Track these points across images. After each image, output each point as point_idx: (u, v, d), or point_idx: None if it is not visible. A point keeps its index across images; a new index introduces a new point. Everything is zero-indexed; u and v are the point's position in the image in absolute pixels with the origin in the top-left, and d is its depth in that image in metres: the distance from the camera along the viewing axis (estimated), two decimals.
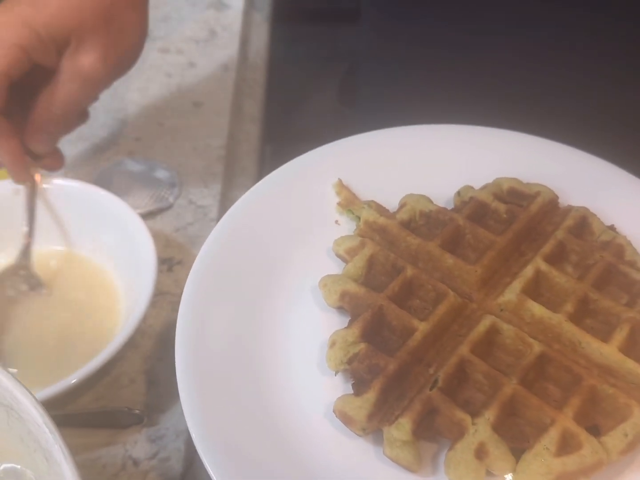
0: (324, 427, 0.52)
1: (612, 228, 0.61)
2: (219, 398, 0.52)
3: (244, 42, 0.98)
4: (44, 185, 0.67)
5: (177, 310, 0.55)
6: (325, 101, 0.94)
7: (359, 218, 0.62)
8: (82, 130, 0.81)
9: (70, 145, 0.80)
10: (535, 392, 0.51)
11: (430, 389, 0.50)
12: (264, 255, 0.61)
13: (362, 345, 0.53)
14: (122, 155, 0.79)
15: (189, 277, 0.57)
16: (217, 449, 0.49)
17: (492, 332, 0.53)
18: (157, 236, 0.69)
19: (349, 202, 0.64)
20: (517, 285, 0.56)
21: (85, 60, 0.60)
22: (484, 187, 0.64)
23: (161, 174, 0.77)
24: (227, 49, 0.94)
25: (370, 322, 0.54)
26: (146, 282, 0.60)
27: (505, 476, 0.49)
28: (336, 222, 0.64)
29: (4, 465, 0.44)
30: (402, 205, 0.63)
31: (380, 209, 0.63)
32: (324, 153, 0.67)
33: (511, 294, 0.55)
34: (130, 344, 0.59)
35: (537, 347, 0.52)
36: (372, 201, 0.63)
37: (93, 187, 0.68)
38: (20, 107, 0.62)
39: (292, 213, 0.63)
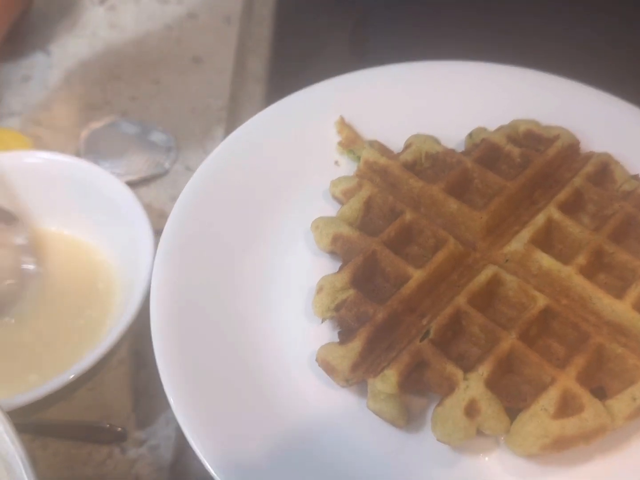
0: (306, 377, 0.48)
1: (636, 177, 0.56)
2: (197, 346, 0.48)
3: None
4: (28, 160, 0.61)
5: None
6: (335, 53, 0.88)
7: (360, 159, 0.58)
8: (73, 86, 0.75)
9: (59, 103, 0.74)
10: (537, 349, 0.47)
11: (421, 340, 0.46)
12: (256, 196, 0.57)
13: (351, 292, 0.49)
14: (115, 116, 0.73)
15: (171, 214, 0.54)
16: (194, 400, 0.46)
17: (494, 283, 0.49)
18: (151, 205, 0.65)
19: (351, 142, 0.60)
20: (525, 234, 0.51)
21: None
22: (499, 129, 0.59)
23: (157, 137, 0.70)
24: None
25: (362, 267, 0.50)
26: (142, 272, 0.53)
27: (498, 437, 0.45)
28: (336, 162, 0.60)
29: None
30: (407, 146, 0.58)
31: (383, 150, 0.58)
32: (325, 88, 0.62)
33: (518, 243, 0.51)
34: None
35: (541, 301, 0.47)
36: (375, 141, 0.59)
37: (79, 160, 0.61)
38: None
39: (289, 152, 0.59)
